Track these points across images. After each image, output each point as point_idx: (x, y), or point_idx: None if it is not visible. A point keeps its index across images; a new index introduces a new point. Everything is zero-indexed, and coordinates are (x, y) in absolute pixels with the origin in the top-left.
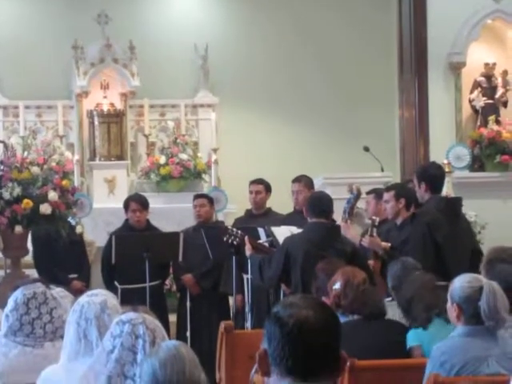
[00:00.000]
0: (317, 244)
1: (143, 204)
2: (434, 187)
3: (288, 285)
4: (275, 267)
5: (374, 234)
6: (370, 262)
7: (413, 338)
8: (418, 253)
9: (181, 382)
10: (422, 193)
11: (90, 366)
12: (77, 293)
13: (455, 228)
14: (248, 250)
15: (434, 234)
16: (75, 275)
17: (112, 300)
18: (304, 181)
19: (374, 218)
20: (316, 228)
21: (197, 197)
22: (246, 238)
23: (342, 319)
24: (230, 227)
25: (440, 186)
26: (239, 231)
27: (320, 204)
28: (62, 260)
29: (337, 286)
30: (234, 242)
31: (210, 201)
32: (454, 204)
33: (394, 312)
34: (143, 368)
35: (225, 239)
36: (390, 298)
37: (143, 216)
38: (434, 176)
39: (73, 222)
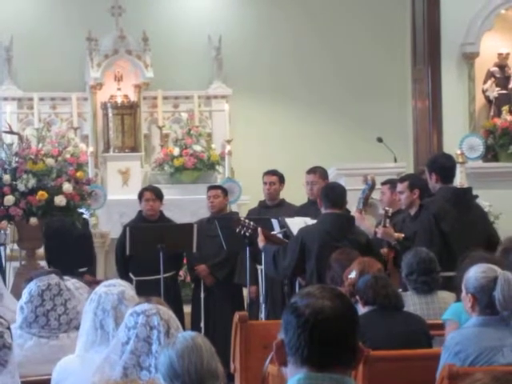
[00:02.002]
0: (331, 234)
1: (157, 194)
2: (444, 177)
3: (302, 275)
4: (290, 257)
5: (387, 225)
6: (384, 251)
7: (453, 311)
8: (424, 243)
9: (198, 373)
10: (433, 183)
11: (106, 357)
12: (92, 286)
13: (465, 218)
14: (261, 242)
15: (439, 223)
16: (84, 268)
17: (130, 291)
18: (319, 172)
19: (387, 208)
20: (330, 218)
21: (211, 188)
22: (259, 229)
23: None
24: (242, 218)
25: (450, 176)
26: (252, 222)
27: (334, 194)
28: (73, 253)
29: (352, 274)
30: (247, 234)
31: (224, 192)
32: (463, 194)
33: (408, 303)
34: (160, 359)
35: (237, 230)
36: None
37: (156, 206)
38: (443, 166)
39: (87, 214)
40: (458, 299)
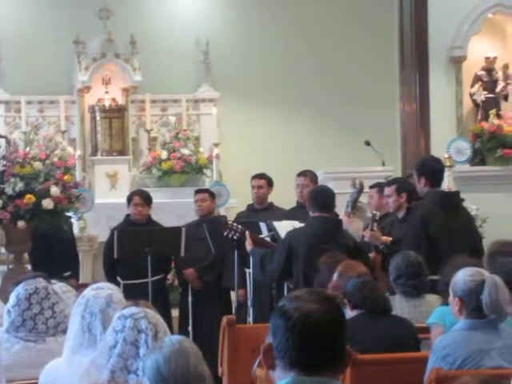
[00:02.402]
0: (319, 238)
1: (146, 199)
2: (432, 181)
3: (289, 279)
4: (277, 260)
5: (375, 228)
6: (371, 255)
7: (438, 315)
8: (411, 246)
9: (185, 377)
10: (421, 186)
11: (93, 361)
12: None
13: (452, 222)
14: (249, 245)
15: (426, 227)
16: (68, 272)
17: (118, 294)
18: (309, 175)
19: (374, 212)
20: (318, 222)
21: (198, 192)
22: (247, 232)
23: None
24: (230, 222)
25: (439, 179)
26: (240, 226)
27: (322, 198)
28: (59, 257)
29: (334, 277)
30: (235, 237)
31: (211, 195)
32: (451, 198)
33: (396, 307)
34: (147, 363)
35: (225, 234)
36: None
37: (144, 211)
38: (432, 170)
39: (74, 217)
40: (442, 303)
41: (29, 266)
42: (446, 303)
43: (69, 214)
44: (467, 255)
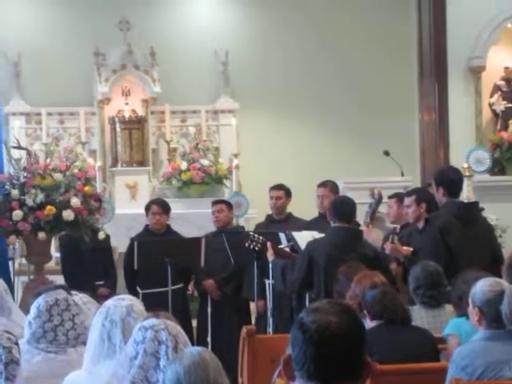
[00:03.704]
0: (339, 248)
1: (164, 207)
2: (451, 191)
3: (310, 289)
4: (298, 272)
5: (395, 241)
6: (393, 267)
7: (453, 326)
8: (430, 257)
9: None
10: (439, 197)
11: (114, 372)
12: (102, 299)
13: (470, 233)
14: (270, 256)
15: (445, 238)
16: (101, 282)
17: (138, 305)
18: (330, 185)
19: (394, 226)
20: (338, 232)
21: (215, 203)
22: (269, 243)
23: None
24: (251, 233)
25: (457, 190)
26: (261, 237)
27: (343, 208)
28: (89, 266)
29: (351, 286)
30: (256, 248)
31: (229, 206)
32: (470, 208)
33: (415, 317)
34: (167, 374)
35: (246, 245)
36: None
37: (163, 219)
38: (451, 180)
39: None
40: (456, 315)
41: (50, 277)
42: (459, 315)
43: (98, 226)
44: (486, 265)
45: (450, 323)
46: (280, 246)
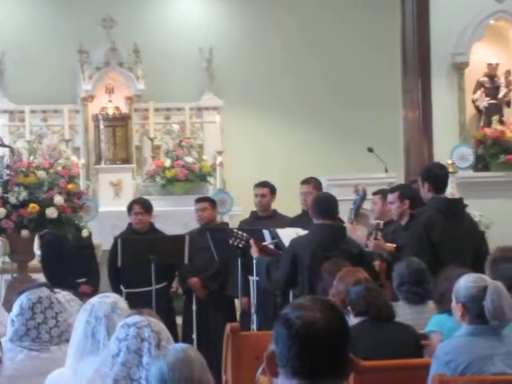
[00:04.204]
0: (323, 245)
1: (146, 207)
2: (436, 187)
3: (294, 287)
4: (282, 269)
5: (379, 237)
6: (377, 263)
7: (435, 323)
8: (413, 252)
9: None
10: (425, 192)
11: (96, 370)
12: (84, 297)
13: (455, 228)
14: (255, 253)
15: (429, 233)
16: (83, 279)
17: (122, 303)
18: (313, 183)
19: (378, 221)
20: (322, 229)
21: (198, 201)
22: (252, 240)
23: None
24: (235, 230)
25: (443, 186)
26: (245, 234)
27: (325, 205)
28: (71, 264)
29: (334, 283)
30: (240, 245)
31: (212, 203)
32: (454, 204)
33: (399, 313)
34: (151, 371)
35: (231, 242)
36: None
37: (145, 219)
38: (436, 176)
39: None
40: (438, 311)
41: (33, 275)
42: (441, 311)
43: (82, 223)
44: (470, 261)
45: (432, 320)
46: (264, 243)
